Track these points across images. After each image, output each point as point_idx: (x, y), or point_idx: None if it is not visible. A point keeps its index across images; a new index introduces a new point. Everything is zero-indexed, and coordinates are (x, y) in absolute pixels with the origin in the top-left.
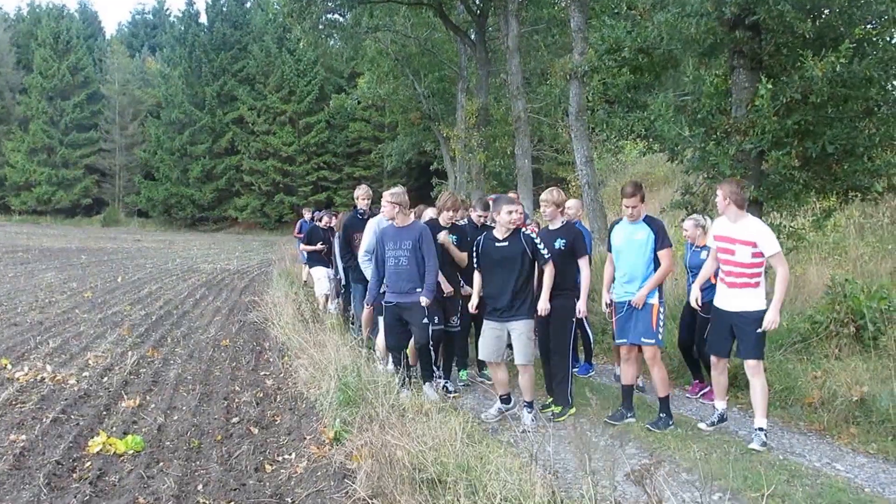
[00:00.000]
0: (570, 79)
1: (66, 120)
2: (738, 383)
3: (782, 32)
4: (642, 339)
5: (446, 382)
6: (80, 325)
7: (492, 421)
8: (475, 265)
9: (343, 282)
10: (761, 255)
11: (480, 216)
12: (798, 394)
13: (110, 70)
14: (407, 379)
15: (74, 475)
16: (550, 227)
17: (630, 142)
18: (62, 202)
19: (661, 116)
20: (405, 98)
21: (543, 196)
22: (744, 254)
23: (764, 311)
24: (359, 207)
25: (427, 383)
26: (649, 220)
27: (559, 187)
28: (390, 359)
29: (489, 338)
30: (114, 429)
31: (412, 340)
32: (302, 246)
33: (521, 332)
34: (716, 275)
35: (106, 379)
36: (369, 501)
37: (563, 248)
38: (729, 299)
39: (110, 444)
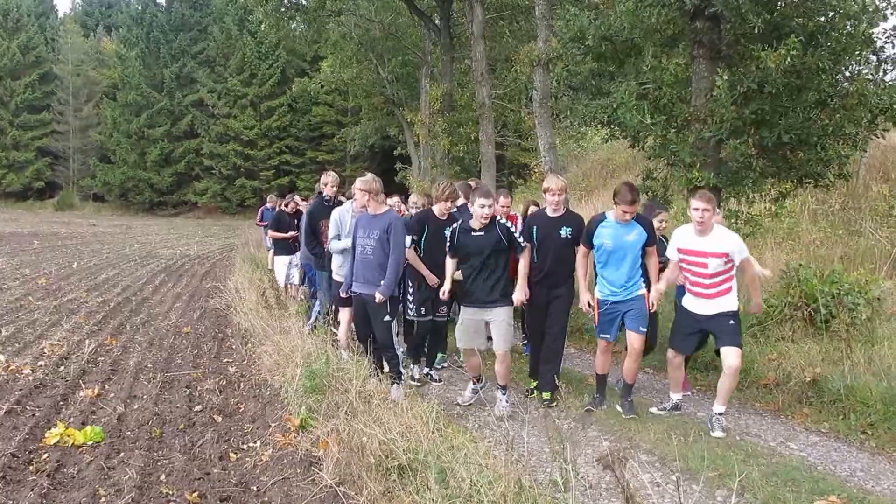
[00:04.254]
0: (535, 66)
1: (17, 100)
2: (696, 366)
3: (740, 24)
4: (640, 329)
5: (430, 371)
6: (35, 313)
7: (468, 403)
8: (448, 253)
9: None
10: (732, 261)
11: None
12: (754, 375)
13: (63, 50)
14: (376, 369)
15: (31, 468)
16: (551, 215)
17: (592, 128)
18: (13, 185)
19: (623, 104)
20: (369, 82)
21: (551, 184)
22: (716, 265)
23: (737, 310)
24: (325, 194)
25: (395, 385)
26: (639, 219)
27: (558, 175)
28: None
29: (469, 327)
30: (72, 419)
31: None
32: (271, 233)
33: (500, 318)
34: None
35: (62, 368)
36: (336, 489)
37: (569, 235)
38: (703, 306)
39: (68, 436)
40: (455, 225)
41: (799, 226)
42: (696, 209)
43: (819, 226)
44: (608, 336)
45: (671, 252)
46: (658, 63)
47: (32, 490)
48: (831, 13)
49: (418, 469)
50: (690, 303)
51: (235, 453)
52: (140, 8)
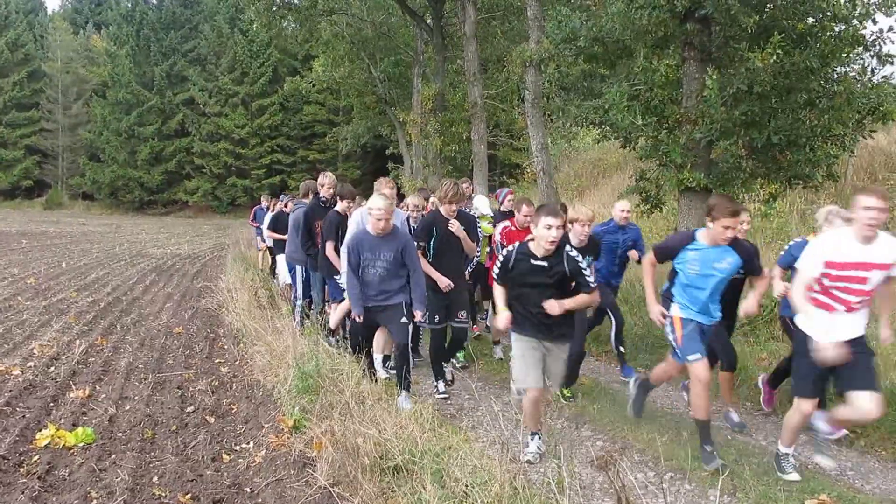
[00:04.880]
0: (527, 66)
1: (5, 98)
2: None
3: (730, 25)
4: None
5: (438, 382)
6: (24, 313)
7: (534, 460)
8: (496, 279)
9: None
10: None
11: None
12: (745, 375)
13: (52, 47)
14: (368, 369)
15: (21, 470)
16: (577, 246)
17: (584, 129)
18: (1, 184)
19: (614, 105)
20: (361, 82)
21: (580, 215)
22: (877, 279)
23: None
24: (321, 195)
25: (405, 393)
26: (737, 245)
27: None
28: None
29: (532, 360)
30: (62, 421)
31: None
32: (268, 233)
33: (560, 354)
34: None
35: (52, 369)
36: (330, 490)
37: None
38: (846, 328)
39: (59, 437)
40: (512, 248)
41: (788, 226)
42: (868, 208)
43: (808, 226)
44: (699, 355)
45: (810, 266)
46: (649, 64)
47: (23, 493)
48: (820, 14)
49: (413, 470)
50: (830, 328)
51: (228, 454)
52: (130, 5)
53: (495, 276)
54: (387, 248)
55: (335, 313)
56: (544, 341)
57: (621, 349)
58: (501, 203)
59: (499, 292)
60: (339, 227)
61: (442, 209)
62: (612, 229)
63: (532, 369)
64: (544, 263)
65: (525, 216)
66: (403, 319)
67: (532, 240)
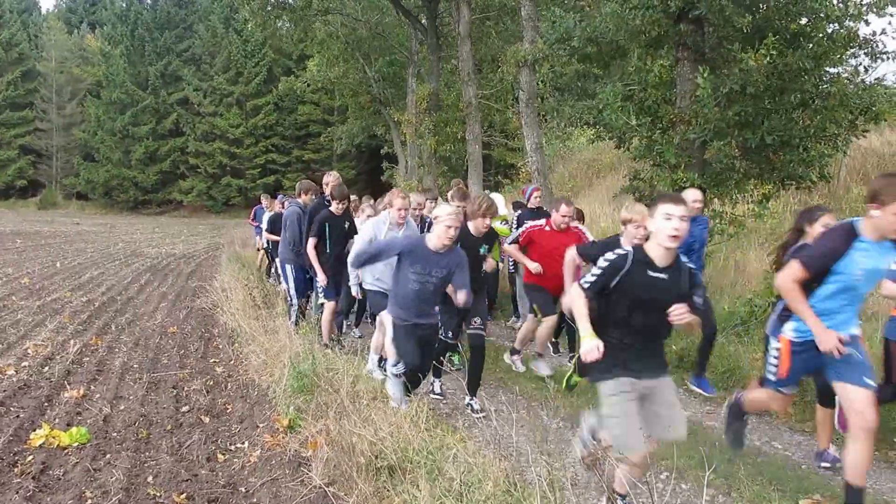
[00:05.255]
0: (521, 66)
1: None
2: (683, 365)
3: (723, 26)
4: (866, 380)
5: (472, 401)
6: (18, 313)
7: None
8: (587, 290)
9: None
10: None
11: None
12: (739, 375)
13: (46, 47)
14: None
15: (16, 470)
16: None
17: (578, 129)
18: None
19: (608, 106)
20: (355, 81)
21: (635, 215)
22: None
23: None
24: (326, 194)
25: (406, 398)
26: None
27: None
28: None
29: (635, 414)
30: (57, 421)
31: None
32: (267, 235)
33: (667, 391)
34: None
35: (47, 369)
36: (325, 489)
37: None
38: None
39: (54, 437)
40: (626, 251)
41: (782, 226)
42: None
43: None
44: (794, 388)
45: None
46: (643, 65)
47: (17, 493)
48: (812, 15)
49: (408, 469)
50: None
51: (223, 454)
52: (125, 5)
53: (584, 287)
54: (443, 265)
55: (323, 326)
56: (644, 380)
57: None
58: (528, 200)
59: (583, 310)
60: (326, 224)
61: (471, 224)
62: None
63: (637, 427)
64: (664, 276)
65: (563, 216)
66: (441, 338)
67: (646, 241)
